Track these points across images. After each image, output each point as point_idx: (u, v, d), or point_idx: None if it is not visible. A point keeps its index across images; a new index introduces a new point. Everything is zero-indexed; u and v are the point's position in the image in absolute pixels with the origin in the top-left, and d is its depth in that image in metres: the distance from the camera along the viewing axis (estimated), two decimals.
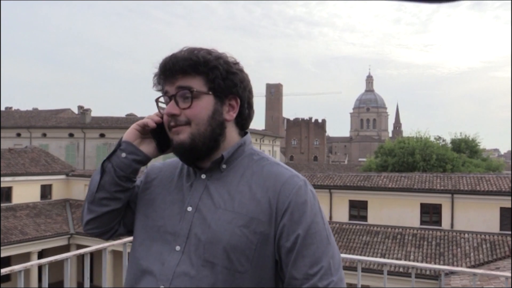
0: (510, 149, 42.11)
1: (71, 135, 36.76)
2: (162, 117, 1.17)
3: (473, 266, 14.31)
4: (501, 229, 16.32)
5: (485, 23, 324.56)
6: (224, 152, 1.15)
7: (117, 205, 1.20)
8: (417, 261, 15.35)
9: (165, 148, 1.20)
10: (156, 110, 1.21)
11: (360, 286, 2.98)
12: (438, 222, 17.76)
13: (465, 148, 41.67)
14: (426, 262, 15.23)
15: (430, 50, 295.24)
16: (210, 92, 1.13)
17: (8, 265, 2.46)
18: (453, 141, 43.24)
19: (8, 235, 19.08)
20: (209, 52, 1.14)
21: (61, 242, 20.57)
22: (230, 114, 1.16)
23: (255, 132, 42.41)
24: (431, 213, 18.02)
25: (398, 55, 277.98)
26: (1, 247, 18.41)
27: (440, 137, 43.94)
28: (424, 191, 18.04)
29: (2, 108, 53.90)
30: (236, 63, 1.18)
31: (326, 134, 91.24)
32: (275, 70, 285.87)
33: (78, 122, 37.93)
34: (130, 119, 37.45)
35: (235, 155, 1.16)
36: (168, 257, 1.10)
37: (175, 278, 1.07)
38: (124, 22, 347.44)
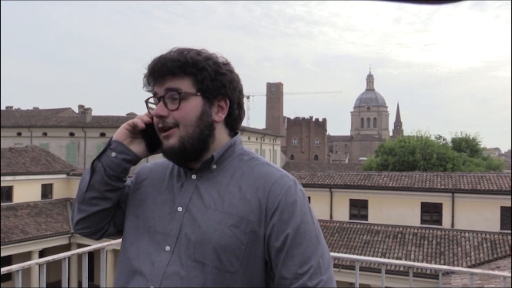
0: (511, 148, 42.17)
1: (71, 134, 36.78)
2: (152, 118, 1.17)
3: (474, 265, 14.31)
4: (501, 228, 16.30)
5: (486, 23, 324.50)
6: (214, 152, 1.15)
7: (107, 204, 1.20)
8: (418, 260, 15.35)
9: (155, 149, 1.20)
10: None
11: (358, 285, 2.97)
12: (439, 221, 17.75)
13: (466, 147, 41.64)
14: (427, 261, 15.23)
15: (431, 49, 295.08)
16: (199, 93, 1.12)
17: (9, 264, 2.46)
18: (454, 140, 43.22)
19: (9, 234, 19.10)
20: (198, 53, 1.14)
21: (62, 241, 20.61)
22: (219, 115, 1.16)
23: (256, 131, 42.39)
24: (431, 212, 18.02)
25: (398, 54, 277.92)
26: (2, 247, 18.45)
27: (440, 136, 43.96)
28: (425, 190, 18.02)
29: (3, 108, 54.00)
30: (226, 64, 1.17)
31: (327, 133, 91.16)
32: (276, 70, 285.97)
33: (79, 121, 37.95)
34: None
35: (225, 155, 1.16)
36: (158, 257, 1.09)
37: (165, 278, 1.07)
38: (125, 21, 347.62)
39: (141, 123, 1.18)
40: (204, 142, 1.14)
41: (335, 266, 13.71)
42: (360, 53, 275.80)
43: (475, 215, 16.88)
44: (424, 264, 2.99)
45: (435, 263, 14.98)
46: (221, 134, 1.18)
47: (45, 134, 37.97)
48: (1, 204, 21.24)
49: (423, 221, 17.94)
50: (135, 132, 1.20)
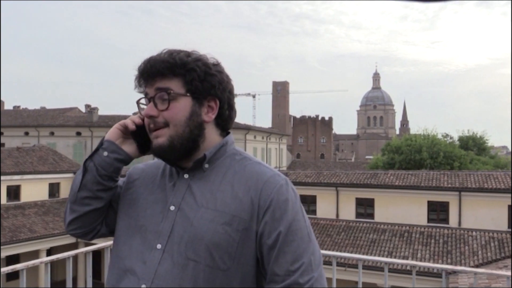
0: (511, 146, 41.90)
1: (78, 133, 36.97)
2: (143, 119, 1.18)
3: (481, 264, 14.23)
4: (509, 227, 16.21)
5: (493, 20, 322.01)
6: (206, 152, 1.16)
7: (99, 204, 1.21)
8: (424, 259, 15.29)
9: (146, 149, 1.21)
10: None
11: (361, 284, 2.96)
12: (446, 220, 17.67)
13: (473, 145, 41.42)
14: (434, 260, 15.17)
15: (437, 47, 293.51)
16: (188, 94, 1.14)
17: (18, 263, 2.48)
18: (461, 139, 42.99)
19: (17, 233, 19.26)
20: (188, 54, 1.15)
21: (69, 240, 20.71)
22: (209, 116, 1.17)
23: (262, 130, 42.35)
24: (438, 211, 17.94)
25: (405, 52, 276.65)
26: (11, 245, 18.61)
27: (447, 135, 43.68)
28: (432, 188, 17.94)
29: (10, 107, 54.33)
30: (216, 65, 1.19)
31: (333, 131, 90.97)
32: (281, 68, 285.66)
33: (86, 121, 38.12)
34: None
35: (217, 155, 1.18)
36: (149, 256, 1.10)
37: (156, 276, 1.07)
38: (130, 21, 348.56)
39: (131, 124, 1.19)
40: (194, 142, 1.15)
41: (341, 265, 13.73)
42: (366, 51, 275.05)
43: (483, 214, 16.78)
44: (427, 264, 2.98)
45: (442, 262, 14.92)
46: (212, 134, 1.19)
47: (52, 133, 38.20)
48: (9, 203, 21.45)
49: (429, 220, 17.87)
50: (127, 132, 1.21)
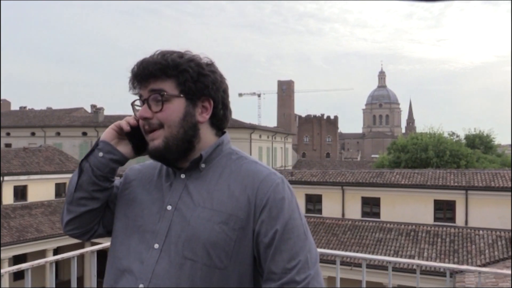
0: (511, 144, 41.62)
1: (84, 133, 37.15)
2: (138, 121, 1.19)
3: (488, 263, 14.15)
4: None
5: (499, 17, 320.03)
6: (202, 151, 1.17)
7: (96, 204, 1.22)
8: (431, 258, 15.24)
9: (141, 150, 1.22)
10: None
11: (365, 283, 2.95)
12: (452, 219, 17.59)
13: (480, 143, 41.21)
14: (440, 259, 15.11)
15: (443, 45, 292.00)
16: (182, 95, 1.14)
17: (25, 262, 2.50)
18: (467, 137, 42.79)
19: (24, 233, 19.40)
20: (180, 55, 1.16)
21: (75, 239, 20.83)
22: (203, 116, 1.17)
23: (267, 130, 42.33)
24: (445, 210, 17.86)
25: (410, 51, 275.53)
26: (18, 245, 18.75)
27: (454, 133, 43.49)
28: (438, 187, 17.87)
29: (17, 108, 54.70)
30: (210, 65, 1.19)
31: (339, 130, 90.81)
32: (286, 67, 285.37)
33: (91, 121, 38.31)
34: None
35: (213, 154, 1.18)
36: (147, 255, 1.11)
37: (154, 276, 1.08)
38: (135, 21, 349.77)
39: (126, 125, 1.20)
40: (189, 143, 1.16)
41: (347, 264, 13.72)
42: (372, 50, 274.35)
43: (489, 213, 16.68)
44: (431, 263, 2.97)
45: (449, 261, 14.85)
46: (207, 134, 1.19)
47: (58, 133, 38.42)
48: (16, 203, 21.63)
49: (436, 218, 17.80)
50: (122, 133, 1.21)
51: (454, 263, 14.50)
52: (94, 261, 2.75)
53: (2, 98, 56.72)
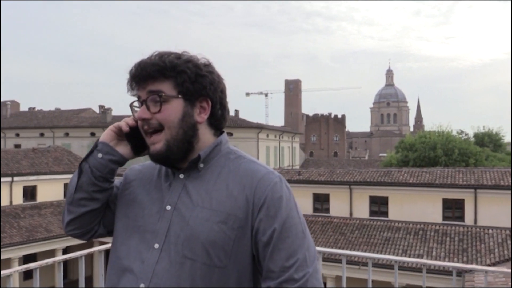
0: (511, 143, 41.14)
1: (92, 134, 37.39)
2: (137, 121, 1.20)
3: (498, 263, 14.03)
4: None
5: (508, 13, 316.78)
6: (201, 152, 1.18)
7: (96, 205, 1.23)
8: (440, 257, 15.14)
9: (140, 151, 1.23)
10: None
11: (371, 283, 2.94)
12: (461, 218, 17.47)
13: (489, 142, 40.93)
14: (449, 258, 15.01)
15: (452, 42, 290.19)
16: (180, 96, 1.15)
17: (34, 262, 2.53)
18: (476, 135, 42.52)
19: (34, 233, 19.56)
20: (178, 56, 1.17)
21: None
22: (201, 116, 1.18)
23: (274, 129, 42.31)
24: (453, 209, 17.74)
25: (418, 48, 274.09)
26: (28, 245, 18.92)
27: (462, 131, 43.30)
28: (446, 186, 17.76)
29: (26, 109, 55.14)
30: (207, 65, 1.20)
31: (346, 129, 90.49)
32: (294, 66, 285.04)
33: (99, 122, 38.56)
34: None
35: (211, 154, 1.20)
36: (147, 255, 1.12)
37: (154, 275, 1.09)
38: (143, 21, 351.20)
39: (125, 126, 1.21)
40: (189, 143, 1.16)
41: (355, 263, 13.68)
42: (379, 48, 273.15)
43: (499, 211, 16.54)
44: (437, 262, 2.97)
45: (458, 260, 14.75)
46: (206, 134, 1.20)
47: (67, 134, 38.71)
48: (26, 203, 21.83)
49: (445, 217, 17.69)
50: (121, 134, 1.22)
51: (463, 262, 14.40)
52: (102, 260, 2.76)
53: (11, 99, 57.19)
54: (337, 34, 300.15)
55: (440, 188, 17.85)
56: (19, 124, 42.43)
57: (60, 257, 2.55)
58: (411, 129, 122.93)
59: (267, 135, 38.56)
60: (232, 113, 42.53)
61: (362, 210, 19.22)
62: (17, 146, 37.91)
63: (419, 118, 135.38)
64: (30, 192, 22.42)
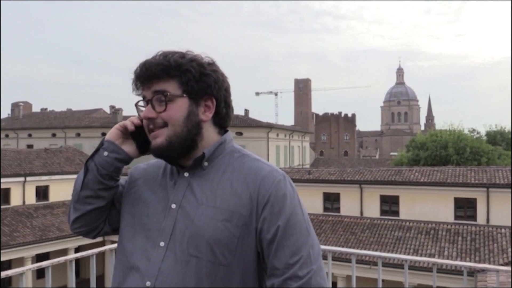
0: (511, 142, 40.54)
1: (103, 134, 37.58)
2: (142, 121, 1.21)
3: (511, 262, 13.87)
4: None
5: None
6: (205, 150, 1.19)
7: (101, 203, 1.25)
8: (452, 257, 15.01)
9: (145, 149, 1.24)
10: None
11: (381, 282, 2.94)
12: (473, 217, 17.30)
13: (501, 140, 40.46)
14: (461, 258, 14.88)
15: (462, 40, 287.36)
16: (185, 95, 1.16)
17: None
18: (488, 133, 42.06)
19: (46, 232, 19.77)
20: (182, 55, 1.17)
21: (97, 238, 21.15)
22: (206, 115, 1.19)
23: (284, 128, 42.23)
24: (465, 208, 17.57)
25: (429, 46, 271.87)
26: (41, 244, 19.13)
27: (474, 130, 42.85)
28: (458, 185, 17.60)
29: (38, 110, 55.76)
30: (211, 64, 1.20)
31: (356, 128, 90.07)
32: (303, 65, 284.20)
33: (110, 122, 38.78)
34: None
35: (216, 153, 1.20)
36: (153, 253, 1.13)
37: (160, 273, 1.11)
38: (153, 22, 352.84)
39: (130, 125, 1.22)
40: (193, 141, 1.17)
41: (365, 263, 13.61)
42: (389, 46, 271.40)
43: None
44: (448, 261, 2.94)
45: (470, 260, 14.62)
46: (210, 133, 1.21)
47: (78, 134, 39.05)
48: (38, 203, 22.08)
49: (456, 217, 17.53)
50: (126, 133, 1.24)
51: (475, 261, 14.26)
52: (113, 259, 2.78)
53: (24, 100, 57.88)
54: (347, 33, 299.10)
55: (452, 187, 17.69)
56: (32, 125, 42.90)
57: (71, 255, 2.58)
58: (422, 128, 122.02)
59: (277, 135, 38.51)
60: (242, 112, 42.61)
61: (372, 210, 19.13)
62: (30, 146, 38.34)
63: (430, 117, 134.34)
64: (42, 192, 22.67)
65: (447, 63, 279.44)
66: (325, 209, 20.00)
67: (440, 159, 31.92)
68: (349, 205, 19.59)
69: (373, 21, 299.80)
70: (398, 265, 12.53)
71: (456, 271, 12.98)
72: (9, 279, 17.19)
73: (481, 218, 17.10)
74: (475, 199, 17.35)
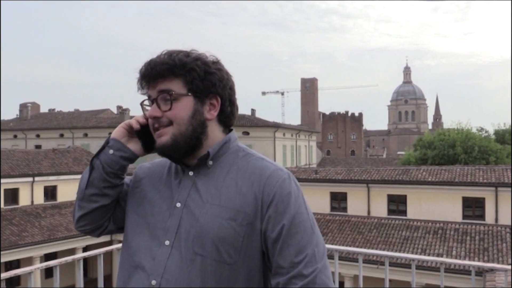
0: (511, 142, 40.19)
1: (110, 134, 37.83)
2: (147, 119, 1.22)
3: None
4: None
5: None
6: (210, 149, 1.19)
7: (106, 201, 1.25)
8: (460, 257, 14.92)
9: (151, 148, 1.25)
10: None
11: (388, 282, 2.92)
12: (482, 217, 17.18)
13: (510, 139, 40.05)
14: (470, 258, 14.78)
15: (470, 38, 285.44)
16: (190, 93, 1.16)
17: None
18: (497, 132, 41.74)
19: (54, 232, 19.92)
20: (187, 54, 1.18)
21: (104, 238, 21.24)
22: (211, 113, 1.20)
23: (291, 128, 42.19)
24: (474, 207, 17.45)
25: (436, 45, 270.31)
26: (49, 244, 19.27)
27: (482, 128, 42.60)
28: (466, 184, 17.47)
29: (46, 110, 56.12)
30: (216, 62, 1.21)
31: (363, 127, 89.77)
32: (309, 65, 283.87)
33: (118, 122, 38.91)
34: None
35: (220, 151, 1.21)
36: (158, 252, 1.13)
37: (166, 272, 1.11)
38: (158, 22, 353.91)
39: (136, 124, 1.23)
40: (197, 140, 1.17)
41: (373, 262, 13.56)
42: (396, 45, 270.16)
43: None
44: (455, 260, 2.92)
45: (478, 260, 14.51)
46: (215, 131, 1.21)
47: (86, 135, 39.27)
48: (46, 203, 22.25)
49: (465, 216, 17.41)
50: (132, 131, 1.25)
51: (484, 261, 14.15)
52: (118, 259, 2.79)
53: (32, 100, 58.28)
54: (353, 32, 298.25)
55: (460, 187, 17.57)
56: (40, 125, 43.23)
57: (79, 255, 2.59)
58: (430, 127, 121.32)
59: (284, 134, 38.48)
60: (248, 112, 42.60)
61: (380, 209, 19.05)
62: (38, 147, 38.63)
63: (437, 116, 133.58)
64: (50, 192, 22.83)
65: (455, 62, 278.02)
66: (332, 208, 19.96)
67: (448, 158, 31.74)
68: (356, 205, 19.53)
69: (380, 20, 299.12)
70: (405, 265, 12.46)
71: (464, 271, 12.89)
72: (18, 278, 17.33)
73: (489, 218, 16.97)
74: (483, 199, 17.22)
